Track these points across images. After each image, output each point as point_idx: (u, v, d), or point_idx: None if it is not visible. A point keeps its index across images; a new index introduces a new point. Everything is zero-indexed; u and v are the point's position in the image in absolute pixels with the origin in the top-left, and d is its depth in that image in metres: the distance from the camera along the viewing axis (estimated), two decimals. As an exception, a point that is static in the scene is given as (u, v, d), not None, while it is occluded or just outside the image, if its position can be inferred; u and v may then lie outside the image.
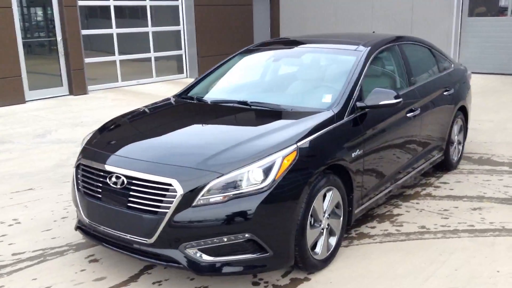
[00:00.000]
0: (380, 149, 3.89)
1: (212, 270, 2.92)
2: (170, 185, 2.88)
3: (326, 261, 3.42)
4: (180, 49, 13.40)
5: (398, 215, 4.34)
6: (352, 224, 3.88)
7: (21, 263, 3.60)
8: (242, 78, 4.56)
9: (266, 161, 2.96)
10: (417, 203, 4.61)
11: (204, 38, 13.40)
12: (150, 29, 12.61)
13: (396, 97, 3.72)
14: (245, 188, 2.89)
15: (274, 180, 2.93)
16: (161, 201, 2.89)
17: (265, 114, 3.73)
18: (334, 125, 3.45)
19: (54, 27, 10.77)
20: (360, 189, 3.71)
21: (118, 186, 3.04)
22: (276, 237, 2.98)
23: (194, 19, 13.19)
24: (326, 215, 3.36)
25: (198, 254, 2.90)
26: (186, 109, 4.13)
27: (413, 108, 4.37)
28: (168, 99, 4.38)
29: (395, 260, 3.52)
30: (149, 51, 12.69)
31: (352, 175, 3.54)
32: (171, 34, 13.23)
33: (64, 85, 11.05)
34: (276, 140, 3.13)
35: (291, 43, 4.86)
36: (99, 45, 12.04)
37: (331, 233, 3.48)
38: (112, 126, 3.83)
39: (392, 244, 3.79)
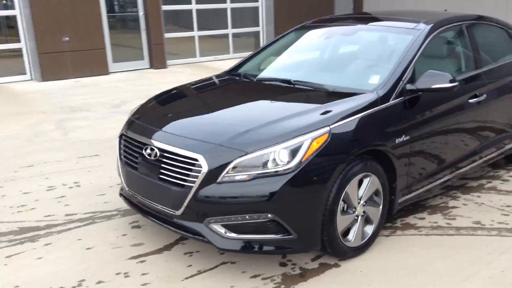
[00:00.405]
0: (433, 136, 3.64)
1: (235, 246, 2.91)
2: (196, 160, 2.89)
3: (360, 249, 3.29)
4: (258, 25, 13.37)
5: (453, 207, 4.06)
6: (399, 213, 3.68)
7: (71, 224, 3.81)
8: (291, 56, 4.44)
9: (293, 142, 2.87)
10: (478, 196, 4.28)
11: (282, 14, 13.25)
12: (228, 5, 12.69)
13: (451, 81, 3.43)
14: (270, 168, 2.83)
15: (300, 162, 2.84)
16: (188, 175, 2.91)
17: (305, 94, 3.61)
18: (376, 108, 3.26)
19: (136, 2, 11.15)
20: (406, 178, 3.50)
21: (152, 158, 3.10)
22: (301, 220, 2.90)
23: (273, -4, 13.09)
24: (362, 202, 3.22)
25: (222, 230, 2.89)
26: (230, 87, 4.11)
27: (477, 94, 4.02)
28: (218, 75, 4.38)
29: (437, 256, 3.30)
30: (227, 28, 12.80)
31: (395, 162, 3.34)
32: (249, 10, 13.22)
33: (145, 58, 11.47)
34: (308, 121, 3.02)
35: (349, 19, 4.63)
36: (179, 20, 12.34)
37: (367, 221, 3.33)
38: (156, 100, 3.91)
39: (438, 238, 3.56)
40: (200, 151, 2.91)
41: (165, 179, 3.02)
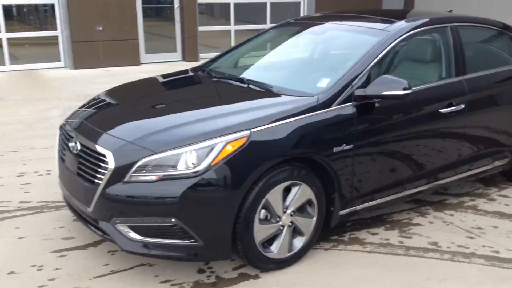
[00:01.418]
0: (388, 147, 3.37)
1: (138, 249, 2.82)
2: (105, 156, 2.82)
3: (285, 262, 3.10)
4: (296, 22, 13.11)
5: (416, 225, 3.75)
6: (353, 226, 3.45)
7: (18, 211, 3.87)
8: (260, 54, 4.25)
9: (204, 145, 2.74)
10: (451, 214, 3.94)
11: (325, 11, 12.90)
12: (268, 0, 12.53)
13: (405, 89, 3.15)
14: (177, 170, 2.70)
15: (209, 166, 2.70)
16: (97, 172, 2.85)
17: (248, 94, 3.44)
18: (312, 113, 3.05)
19: (173, -5, 11.26)
20: (350, 189, 3.27)
21: (74, 151, 3.07)
22: (208, 227, 2.76)
23: (315, -10, 12.80)
24: (290, 211, 3.02)
25: (127, 231, 2.81)
26: (181, 83, 4.00)
27: (453, 103, 3.68)
28: (183, 71, 4.28)
29: (368, 276, 3.06)
30: (265, 22, 12.65)
31: (333, 173, 3.12)
32: (290, 5, 13.01)
33: (177, 51, 11.57)
34: (228, 123, 2.87)
35: (331, 17, 4.36)
36: (215, 14, 12.34)
37: (299, 232, 3.13)
38: (107, 93, 3.85)
39: (381, 256, 3.29)
40: (110, 148, 2.84)
41: (81, 174, 2.98)
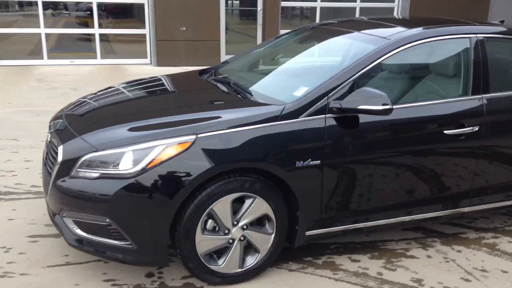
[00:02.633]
0: (370, 167, 3.05)
1: (81, 245, 2.83)
2: (57, 149, 2.88)
3: (234, 278, 2.94)
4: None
5: (410, 257, 3.36)
6: (335, 249, 3.19)
7: (27, 194, 4.09)
8: (265, 59, 4.08)
9: (143, 146, 2.67)
10: (458, 251, 3.47)
11: (419, 14, 12.17)
12: (358, 4, 12.11)
13: (384, 104, 2.83)
14: (113, 169, 2.67)
15: (145, 168, 2.63)
16: (53, 164, 2.92)
17: (220, 98, 3.31)
18: (273, 123, 2.84)
19: (256, -3, 11.34)
20: (319, 208, 3.01)
21: (46, 143, 3.18)
22: (142, 231, 2.69)
23: (410, -4, 12.12)
24: (241, 225, 2.85)
25: (72, 225, 2.84)
26: (179, 82, 3.94)
27: (464, 124, 3.24)
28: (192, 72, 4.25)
29: (319, 306, 2.79)
30: (352, 28, 12.23)
31: (295, 189, 2.89)
32: (382, 11, 12.44)
33: (258, 53, 11.61)
34: (175, 126, 2.78)
35: (342, 24, 4.05)
36: (299, 17, 12.21)
37: (254, 249, 2.94)
38: (101, 91, 3.87)
39: (347, 287, 2.98)
40: (63, 141, 2.89)
41: (46, 164, 3.08)
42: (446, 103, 3.26)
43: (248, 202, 2.85)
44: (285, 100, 2.99)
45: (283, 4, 11.43)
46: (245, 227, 2.87)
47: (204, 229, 2.80)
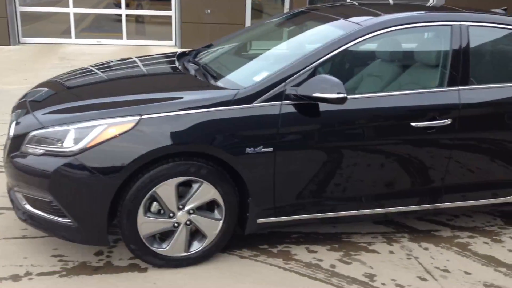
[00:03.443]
0: (328, 157, 2.97)
1: (30, 220, 2.88)
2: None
3: (179, 261, 2.93)
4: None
5: (371, 251, 3.26)
6: (296, 239, 3.14)
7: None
8: (242, 43, 3.99)
9: (85, 125, 2.68)
10: (425, 248, 3.34)
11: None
12: None
13: (339, 92, 2.74)
14: (57, 147, 2.70)
15: (85, 147, 2.64)
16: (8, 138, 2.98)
17: (182, 81, 3.29)
18: (223, 108, 2.79)
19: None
20: (272, 196, 2.95)
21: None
22: (82, 210, 2.71)
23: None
24: (187, 209, 2.84)
25: (22, 200, 2.89)
26: (155, 63, 3.93)
27: (435, 117, 3.09)
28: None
29: (257, 294, 2.75)
30: (382, 15, 11.89)
31: (245, 175, 2.84)
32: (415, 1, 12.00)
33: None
34: (121, 106, 2.77)
35: (331, 8, 3.92)
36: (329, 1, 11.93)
37: (202, 234, 2.93)
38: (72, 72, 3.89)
39: (294, 277, 2.93)
40: (17, 117, 2.95)
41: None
42: (416, 94, 3.12)
43: (195, 186, 2.82)
44: (244, 85, 2.93)
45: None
46: (191, 211, 2.85)
47: (148, 211, 2.80)
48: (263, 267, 3.00)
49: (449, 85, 3.15)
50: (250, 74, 3.13)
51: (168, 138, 2.69)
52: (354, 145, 3.01)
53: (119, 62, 3.97)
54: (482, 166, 3.31)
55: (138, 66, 3.79)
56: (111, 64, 3.93)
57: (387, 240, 3.40)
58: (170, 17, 11.13)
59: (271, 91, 2.86)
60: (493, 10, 3.98)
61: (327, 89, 2.75)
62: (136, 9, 11.34)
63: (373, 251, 3.26)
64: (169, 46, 11.09)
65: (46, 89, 3.37)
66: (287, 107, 2.86)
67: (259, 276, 2.90)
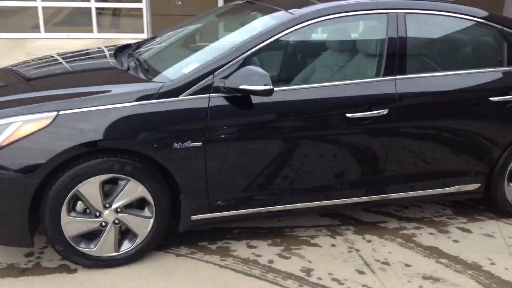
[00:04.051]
0: (259, 150, 2.89)
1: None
2: None
3: (109, 261, 2.85)
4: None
5: (312, 245, 3.20)
6: (238, 234, 3.08)
7: None
8: (184, 35, 3.87)
9: (0, 122, 2.58)
10: (368, 241, 3.28)
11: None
12: None
13: (266, 84, 2.66)
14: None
15: (0, 145, 2.54)
16: None
17: (113, 76, 3.18)
18: (148, 101, 2.69)
19: None
20: (205, 192, 2.87)
21: None
22: (1, 209, 2.61)
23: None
24: (114, 207, 2.75)
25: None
26: (88, 57, 3.82)
27: (371, 107, 3.02)
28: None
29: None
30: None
31: (174, 171, 2.76)
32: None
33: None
34: (38, 102, 2.67)
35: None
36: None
37: (133, 233, 2.85)
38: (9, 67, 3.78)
39: (229, 274, 2.86)
40: None
41: None
42: (351, 85, 3.04)
43: (121, 184, 2.74)
44: (172, 78, 2.84)
45: None
46: (119, 210, 2.77)
47: (73, 210, 2.71)
48: (198, 265, 2.93)
49: (386, 74, 3.08)
50: (181, 67, 3.03)
51: (86, 135, 2.59)
52: (289, 137, 2.94)
53: (56, 57, 3.84)
54: (426, 156, 3.26)
55: (72, 60, 3.67)
56: (45, 59, 3.80)
57: (330, 233, 3.34)
58: (141, 9, 10.95)
59: (199, 84, 2.78)
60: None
61: (253, 81, 2.68)
62: (106, 1, 11.15)
63: (315, 245, 3.20)
64: (141, 38, 10.90)
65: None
66: (217, 99, 2.78)
67: (192, 274, 2.83)
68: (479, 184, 3.45)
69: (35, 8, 10.47)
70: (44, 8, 10.51)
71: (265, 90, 2.66)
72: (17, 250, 2.97)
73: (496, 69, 3.36)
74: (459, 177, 3.38)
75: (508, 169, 3.47)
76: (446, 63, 3.35)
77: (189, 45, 3.61)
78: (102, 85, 2.93)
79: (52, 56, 3.81)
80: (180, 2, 10.63)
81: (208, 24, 3.96)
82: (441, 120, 3.22)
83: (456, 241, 3.32)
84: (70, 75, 3.33)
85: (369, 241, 3.28)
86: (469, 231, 3.45)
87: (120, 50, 3.75)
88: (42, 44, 9.86)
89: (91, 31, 10.82)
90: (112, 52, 3.65)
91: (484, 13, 3.39)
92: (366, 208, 3.65)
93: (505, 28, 3.38)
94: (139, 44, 3.89)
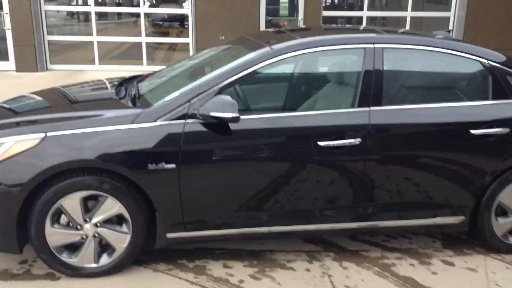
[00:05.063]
0: (232, 174, 3.07)
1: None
2: None
3: (88, 272, 3.09)
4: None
5: (288, 269, 3.30)
6: (221, 255, 3.26)
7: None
8: (182, 69, 4.14)
9: (-3, 141, 2.93)
10: (344, 267, 3.34)
11: (475, 26, 11.43)
12: (408, 13, 11.66)
13: (233, 112, 2.87)
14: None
15: (-6, 162, 2.88)
16: None
17: (100, 102, 3.49)
18: (126, 126, 2.97)
19: (297, 6, 11.37)
20: (180, 211, 3.07)
21: None
22: (-3, 218, 2.94)
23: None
24: (93, 222, 3.01)
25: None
26: (91, 87, 4.19)
27: (344, 137, 3.13)
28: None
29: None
30: (399, 38, 11.79)
31: (149, 191, 2.99)
32: (436, 20, 11.86)
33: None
34: (30, 125, 3.02)
35: (256, 36, 4.02)
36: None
37: (112, 248, 3.09)
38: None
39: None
40: None
41: None
42: (324, 115, 3.17)
43: (100, 200, 2.99)
44: (153, 103, 3.11)
45: (325, 13, 11.33)
46: (98, 224, 3.02)
47: (57, 223, 2.99)
48: (172, 281, 3.11)
49: (360, 105, 3.18)
50: (166, 95, 3.29)
51: (68, 155, 2.88)
52: (260, 163, 3.09)
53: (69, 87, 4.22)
54: (403, 186, 3.29)
55: (79, 89, 4.05)
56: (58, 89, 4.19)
57: (309, 259, 3.42)
58: (188, 44, 11.55)
59: (176, 110, 3.02)
60: (436, 32, 4.00)
61: (222, 109, 2.88)
62: (155, 36, 11.85)
63: (290, 268, 3.29)
64: (187, 71, 11.46)
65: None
66: (192, 125, 3.01)
67: (161, 289, 3.01)
68: (463, 217, 3.42)
69: (92, 42, 11.32)
70: (99, 42, 11.33)
71: (232, 118, 2.86)
72: (14, 257, 3.27)
73: (479, 102, 3.37)
74: (440, 209, 3.38)
75: (495, 204, 3.42)
76: (425, 96, 3.40)
77: (182, 77, 3.88)
78: (89, 111, 3.24)
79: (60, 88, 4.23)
80: (223, 37, 11.10)
81: (205, 57, 4.23)
82: (419, 151, 3.26)
83: (434, 273, 3.30)
84: (66, 102, 3.69)
85: (345, 268, 3.33)
86: (452, 264, 3.42)
87: (127, 81, 4.08)
88: (94, 75, 10.58)
89: (141, 64, 11.50)
90: (117, 82, 3.99)
91: (467, 46, 3.43)
92: (353, 237, 3.69)
93: (488, 61, 3.40)
94: (145, 76, 4.20)
